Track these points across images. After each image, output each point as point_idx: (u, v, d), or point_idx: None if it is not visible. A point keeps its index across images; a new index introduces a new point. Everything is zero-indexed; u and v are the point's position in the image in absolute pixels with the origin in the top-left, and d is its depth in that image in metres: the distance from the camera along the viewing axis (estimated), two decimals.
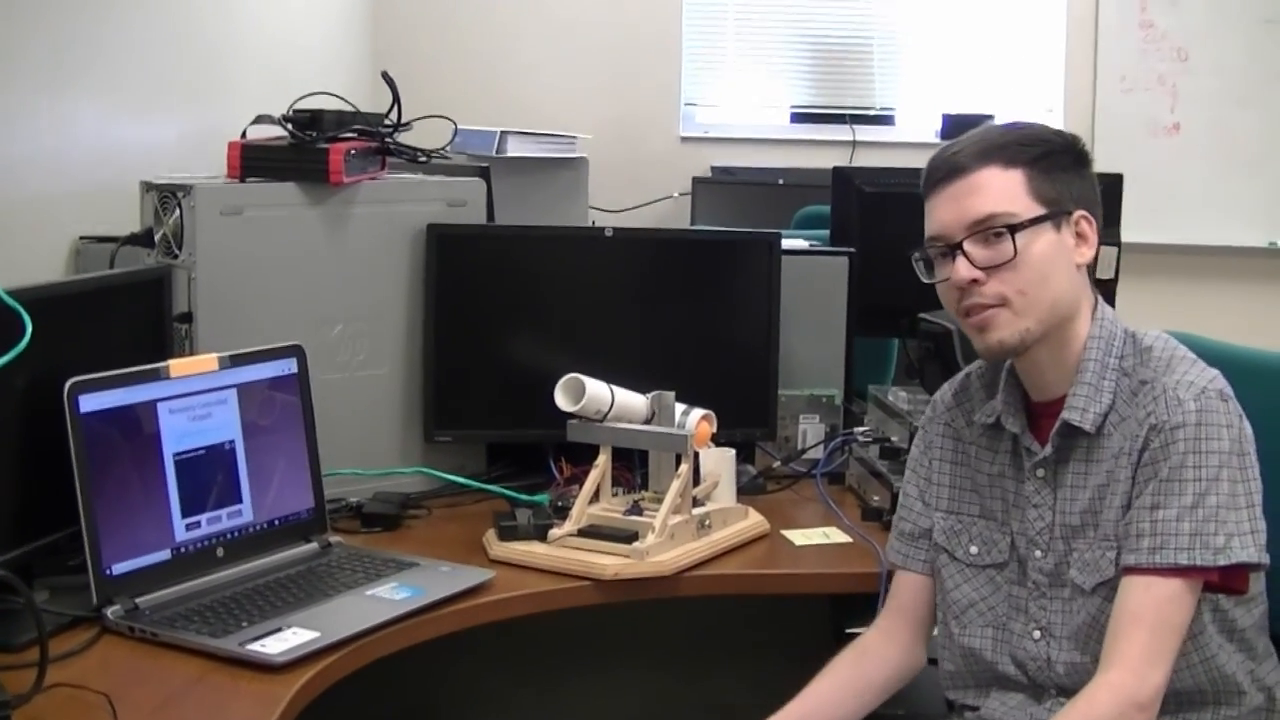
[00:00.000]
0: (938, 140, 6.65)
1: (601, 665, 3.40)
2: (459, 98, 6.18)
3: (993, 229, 2.20)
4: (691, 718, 3.50)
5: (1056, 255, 2.22)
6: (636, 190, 6.39)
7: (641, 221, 6.36)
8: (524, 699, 3.40)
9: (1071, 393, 2.23)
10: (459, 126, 4.93)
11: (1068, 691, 2.21)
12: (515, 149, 4.71)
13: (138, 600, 2.30)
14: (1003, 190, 2.22)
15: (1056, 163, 2.23)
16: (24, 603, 1.99)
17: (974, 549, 2.36)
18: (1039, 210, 2.21)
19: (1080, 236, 2.23)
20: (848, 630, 3.40)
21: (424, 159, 3.15)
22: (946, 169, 2.25)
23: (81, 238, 3.14)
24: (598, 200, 5.23)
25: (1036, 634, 2.28)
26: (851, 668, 2.45)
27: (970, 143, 2.25)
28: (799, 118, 6.83)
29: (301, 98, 2.95)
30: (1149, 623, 2.10)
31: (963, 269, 2.22)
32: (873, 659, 2.46)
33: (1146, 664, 2.09)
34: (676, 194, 6.52)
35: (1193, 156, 6.48)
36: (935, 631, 2.45)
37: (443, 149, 3.38)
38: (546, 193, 4.83)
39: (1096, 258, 2.27)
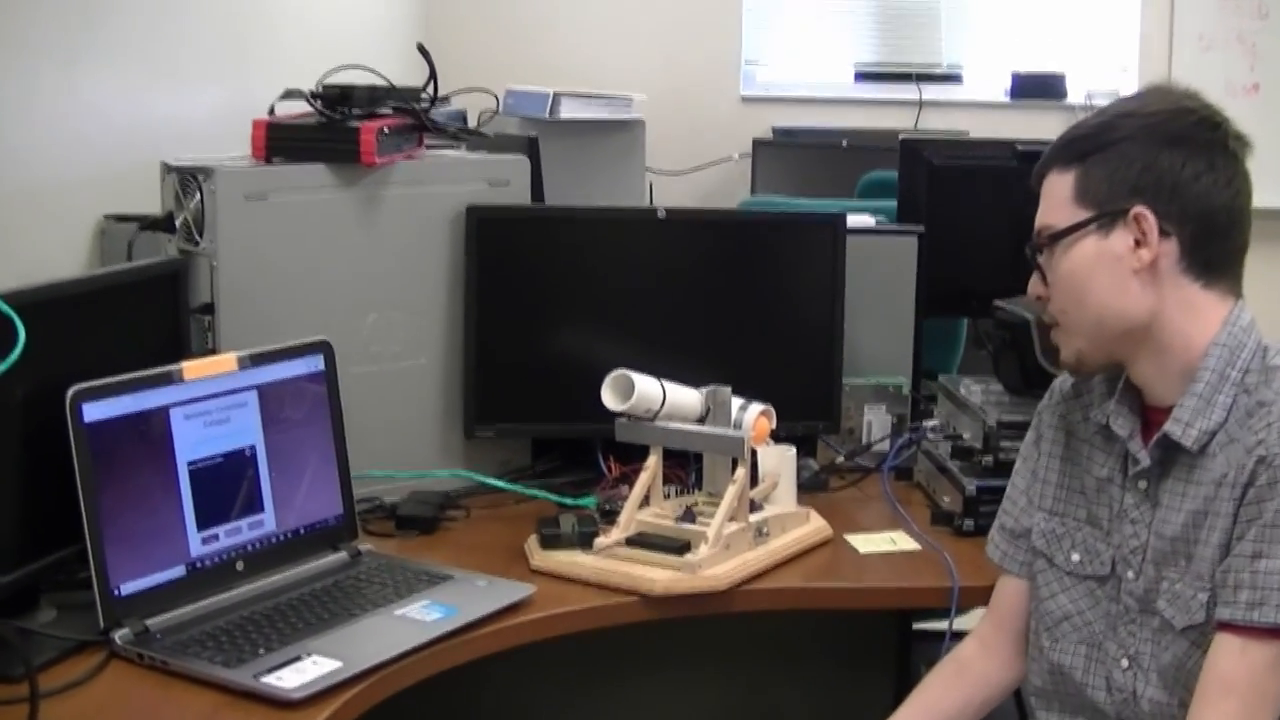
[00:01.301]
0: (1007, 100, 6.46)
1: (653, 675, 3.22)
2: (511, 59, 6.04)
3: (1039, 244, 2.05)
4: None
5: (1094, 267, 2.00)
6: (695, 152, 6.24)
7: (700, 185, 6.20)
8: (569, 712, 3.23)
9: (1179, 404, 1.98)
10: (510, 88, 4.80)
11: None
12: (569, 111, 4.57)
13: (149, 622, 2.13)
14: (1054, 198, 2.04)
15: (1124, 151, 1.98)
16: (12, 640, 1.83)
17: (1075, 556, 2.14)
18: (1081, 215, 2.00)
19: (1142, 234, 1.97)
20: (915, 626, 3.26)
21: (464, 137, 2.96)
22: (1034, 176, 2.08)
23: (106, 216, 3.00)
24: (655, 163, 5.08)
25: (1125, 662, 2.06)
26: (947, 688, 2.27)
27: (1053, 142, 2.07)
28: (863, 76, 6.65)
29: (331, 71, 2.76)
30: (1241, 690, 1.87)
31: (1030, 285, 2.08)
32: (970, 677, 2.27)
33: None
34: (736, 156, 6.37)
35: (1273, 117, 6.21)
36: None
37: (481, 126, 3.21)
38: (602, 156, 4.69)
39: (1224, 249, 2.01)
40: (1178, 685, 1.98)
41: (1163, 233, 1.97)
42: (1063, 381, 2.25)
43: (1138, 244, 1.97)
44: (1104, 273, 1.99)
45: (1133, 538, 2.06)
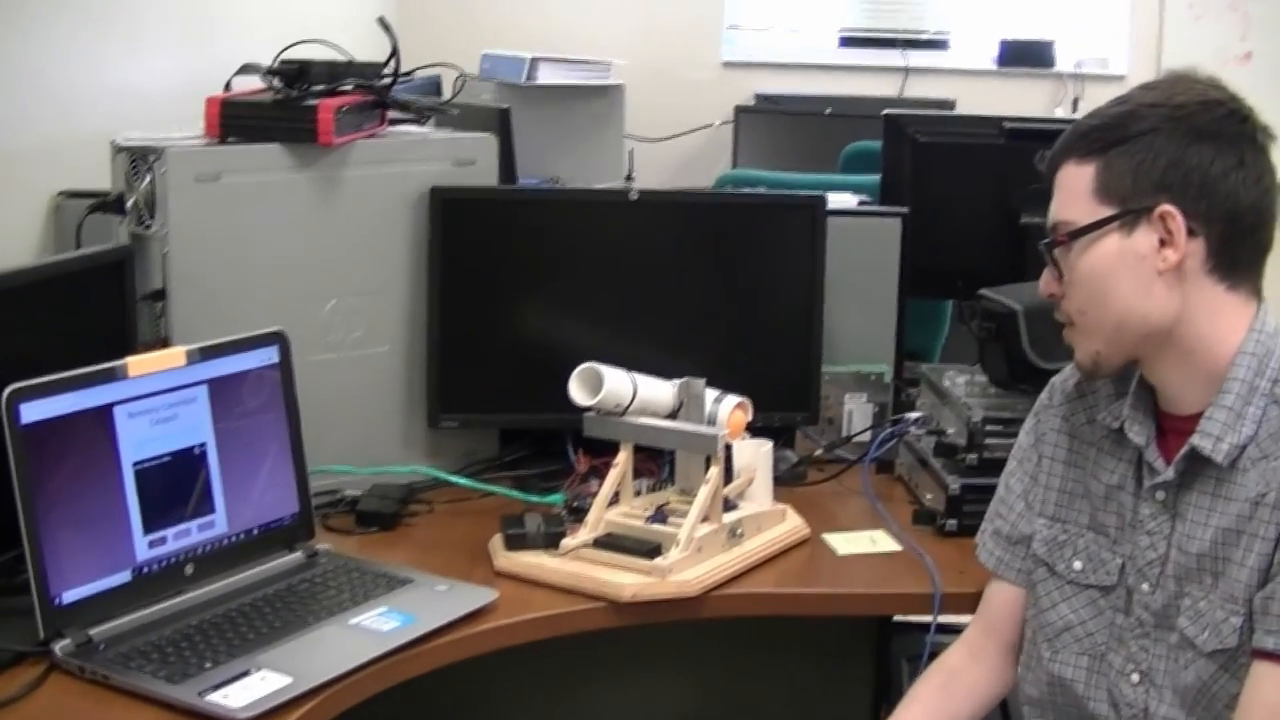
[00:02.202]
0: (994, 68, 6.35)
1: (624, 674, 3.11)
2: (488, 23, 5.92)
3: (1057, 240, 1.92)
4: None
5: (1117, 267, 1.88)
6: (675, 119, 6.13)
7: (681, 152, 6.10)
8: (535, 717, 3.14)
9: (1207, 415, 1.87)
10: (487, 53, 4.69)
11: None
12: (547, 76, 4.49)
13: (92, 632, 2.03)
14: (1071, 191, 1.92)
15: (1149, 144, 1.85)
16: None
17: (1077, 564, 2.04)
18: (1103, 212, 1.88)
19: (1168, 234, 1.85)
20: (895, 618, 3.17)
21: (430, 113, 2.84)
22: (1047, 165, 1.96)
23: (60, 193, 2.89)
24: (635, 129, 4.99)
25: (1135, 677, 1.96)
26: (936, 699, 2.16)
27: (1068, 130, 1.95)
28: (848, 42, 6.56)
29: (289, 46, 2.64)
30: None
31: (1043, 281, 1.95)
32: (960, 687, 2.17)
33: None
34: (718, 123, 6.28)
35: (1266, 87, 6.12)
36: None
37: (456, 93, 3.09)
38: (580, 122, 4.62)
39: (1240, 252, 1.88)
40: (1198, 706, 1.89)
41: (1190, 233, 1.85)
42: (1064, 380, 2.14)
43: (1163, 244, 1.86)
44: (1127, 273, 1.88)
45: (1149, 549, 1.95)
